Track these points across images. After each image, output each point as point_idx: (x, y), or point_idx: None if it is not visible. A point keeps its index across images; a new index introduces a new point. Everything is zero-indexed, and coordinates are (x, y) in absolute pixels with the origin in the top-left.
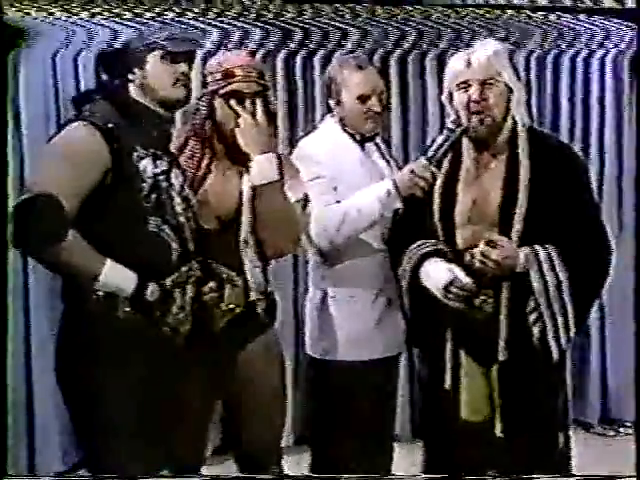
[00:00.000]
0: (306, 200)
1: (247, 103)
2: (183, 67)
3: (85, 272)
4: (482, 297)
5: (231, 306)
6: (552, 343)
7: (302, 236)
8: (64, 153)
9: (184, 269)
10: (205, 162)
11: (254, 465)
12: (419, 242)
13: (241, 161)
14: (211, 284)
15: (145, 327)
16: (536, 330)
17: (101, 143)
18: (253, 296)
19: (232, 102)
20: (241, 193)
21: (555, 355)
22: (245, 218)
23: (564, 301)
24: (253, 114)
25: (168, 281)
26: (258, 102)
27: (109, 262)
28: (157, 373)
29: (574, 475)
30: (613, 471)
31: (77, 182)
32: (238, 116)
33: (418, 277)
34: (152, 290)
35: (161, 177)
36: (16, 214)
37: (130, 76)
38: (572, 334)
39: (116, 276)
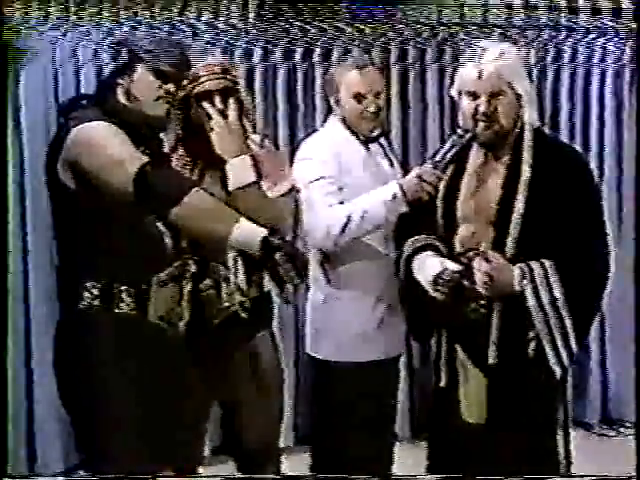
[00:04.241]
0: (296, 192)
1: (217, 102)
2: (170, 86)
3: (216, 233)
4: (475, 304)
5: (227, 304)
6: (554, 363)
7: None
8: (107, 136)
9: (178, 263)
10: (198, 166)
11: (253, 464)
12: (413, 238)
13: (219, 164)
14: (207, 281)
15: (142, 325)
16: (532, 346)
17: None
18: (249, 295)
19: (203, 104)
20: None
21: (558, 373)
22: None
23: (563, 319)
24: (225, 115)
25: (164, 274)
26: (230, 100)
27: (242, 220)
28: (155, 372)
29: (574, 475)
30: (613, 471)
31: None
32: (210, 119)
33: (411, 272)
34: (274, 240)
35: None
36: (136, 187)
37: (119, 79)
38: (575, 350)
39: (246, 234)
